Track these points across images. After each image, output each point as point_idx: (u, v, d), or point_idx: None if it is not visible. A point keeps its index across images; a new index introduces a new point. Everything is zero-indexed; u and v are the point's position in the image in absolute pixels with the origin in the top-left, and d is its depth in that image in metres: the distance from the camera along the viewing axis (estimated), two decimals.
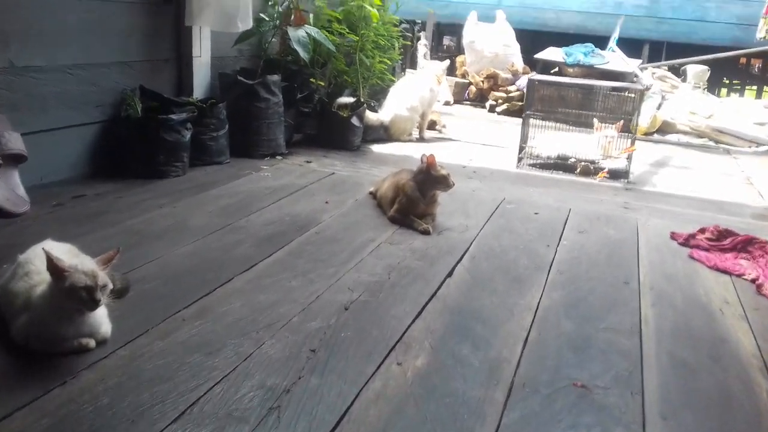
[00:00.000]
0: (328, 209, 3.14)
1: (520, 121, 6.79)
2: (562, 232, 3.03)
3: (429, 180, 3.01)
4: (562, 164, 4.39)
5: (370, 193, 3.42)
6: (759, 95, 11.24)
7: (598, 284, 2.46)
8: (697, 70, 7.17)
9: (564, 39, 8.45)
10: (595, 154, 4.44)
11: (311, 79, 4.55)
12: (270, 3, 4.24)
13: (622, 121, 4.44)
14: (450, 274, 2.45)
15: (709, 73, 7.30)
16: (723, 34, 8.44)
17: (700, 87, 7.10)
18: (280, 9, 4.18)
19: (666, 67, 7.94)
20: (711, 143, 6.25)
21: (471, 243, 2.80)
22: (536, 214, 3.30)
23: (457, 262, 2.57)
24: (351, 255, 2.57)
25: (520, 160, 4.44)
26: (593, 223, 3.22)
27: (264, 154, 4.06)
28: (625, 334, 2.07)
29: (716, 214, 3.60)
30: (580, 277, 2.52)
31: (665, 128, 6.50)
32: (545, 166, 4.41)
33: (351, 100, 4.67)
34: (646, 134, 6.24)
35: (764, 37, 6.66)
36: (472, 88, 7.55)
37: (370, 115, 4.83)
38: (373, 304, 2.16)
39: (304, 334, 1.93)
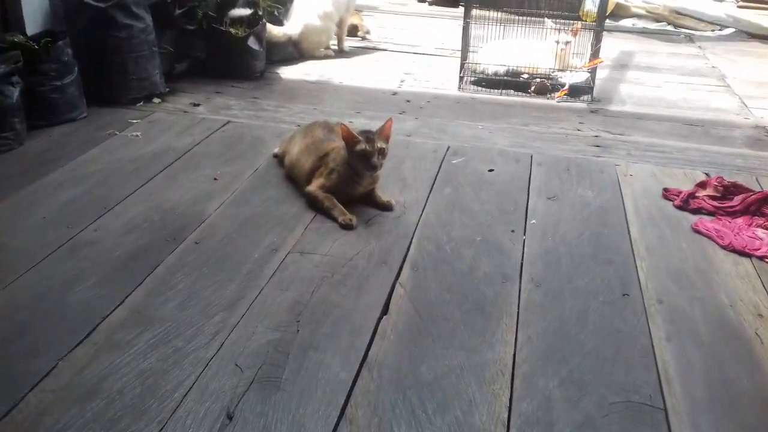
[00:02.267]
0: (216, 192, 2.31)
1: (455, 12, 5.91)
2: (527, 203, 2.31)
3: (352, 157, 2.19)
4: (513, 82, 3.60)
5: (275, 155, 2.60)
6: None
7: (588, 302, 1.78)
8: None
9: None
10: (550, 65, 3.66)
11: None
12: None
13: (579, 24, 3.65)
14: (386, 310, 1.72)
15: None
16: None
17: None
18: None
19: None
20: (670, 28, 5.53)
21: (411, 239, 2.06)
22: (491, 171, 2.56)
23: (395, 282, 1.84)
24: (243, 286, 1.79)
25: (461, 79, 3.62)
26: (563, 179, 2.51)
27: (135, 98, 3.12)
28: (645, 415, 1.41)
29: (703, 145, 2.94)
30: (562, 291, 1.83)
31: (618, 12, 5.71)
32: (493, 84, 3.62)
33: (246, 12, 3.67)
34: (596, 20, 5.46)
35: None
36: None
37: (275, 30, 3.86)
38: (272, 400, 1.42)
39: None
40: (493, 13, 3.80)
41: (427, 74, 3.88)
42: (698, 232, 2.15)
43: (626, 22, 5.62)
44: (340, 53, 4.26)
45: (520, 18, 3.75)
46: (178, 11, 3.49)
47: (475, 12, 3.66)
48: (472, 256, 1.97)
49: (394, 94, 3.51)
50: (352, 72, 3.87)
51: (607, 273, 1.91)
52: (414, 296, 1.78)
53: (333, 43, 4.29)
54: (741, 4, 5.96)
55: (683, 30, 5.44)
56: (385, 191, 2.32)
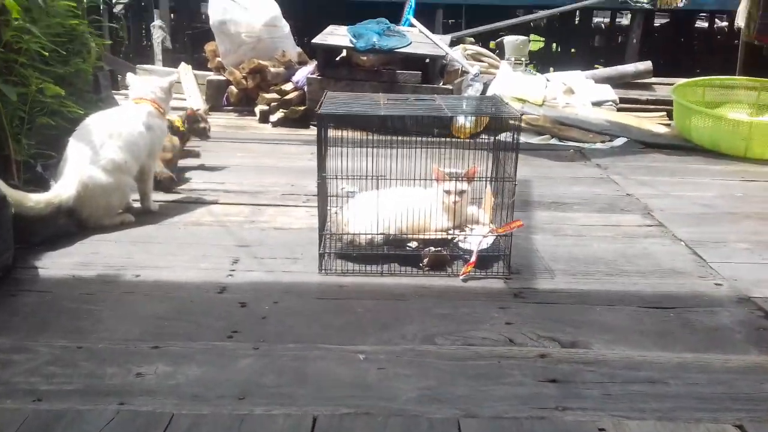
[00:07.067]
0: None
1: (306, 135, 4.79)
2: None
3: None
4: (397, 254, 2.50)
5: None
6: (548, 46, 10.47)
7: None
8: (515, 42, 5.70)
9: (346, 10, 6.60)
10: (445, 224, 2.62)
11: None
12: None
13: (474, 167, 2.66)
14: None
15: (529, 45, 5.88)
16: None
17: (521, 63, 5.64)
18: None
19: (472, 40, 6.42)
20: (556, 141, 4.80)
21: None
22: None
23: None
24: None
25: (322, 257, 2.46)
26: None
27: None
28: None
29: (701, 354, 1.95)
30: None
31: (492, 126, 4.92)
32: (369, 258, 2.49)
33: None
34: (472, 136, 4.63)
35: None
36: (233, 89, 5.42)
37: (30, 200, 2.53)
38: None
39: None
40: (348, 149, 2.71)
41: (273, 244, 2.70)
42: None
43: (504, 138, 4.81)
44: (146, 214, 2.99)
45: (387, 148, 2.70)
46: None
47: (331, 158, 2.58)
48: None
49: (222, 290, 2.28)
50: (159, 251, 2.60)
51: None
52: None
53: (135, 197, 3.02)
54: (621, 105, 5.43)
55: (570, 143, 4.71)
56: None
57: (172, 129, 3.50)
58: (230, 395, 1.68)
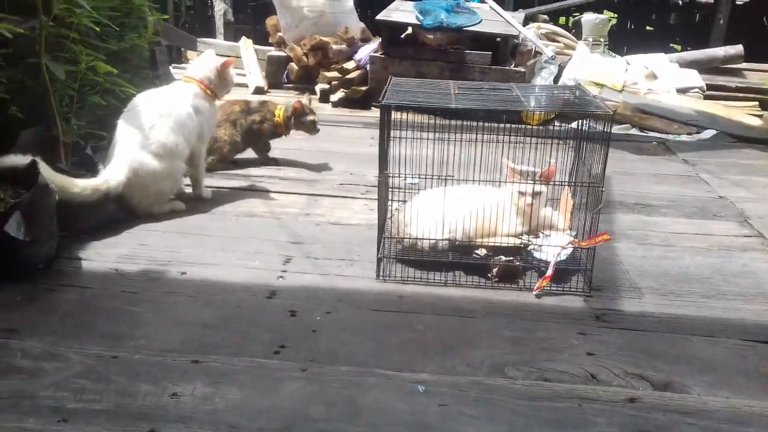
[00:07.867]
0: None
1: (366, 117, 4.56)
2: None
3: None
4: (462, 263, 2.26)
5: None
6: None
7: None
8: (594, 21, 5.29)
9: None
10: (517, 228, 2.36)
11: None
12: None
13: (553, 166, 2.37)
14: None
15: (609, 24, 5.47)
16: None
17: (600, 44, 5.25)
18: None
19: (546, 18, 6.03)
20: (635, 131, 4.43)
21: None
22: None
23: None
24: None
25: (380, 261, 2.24)
26: None
27: None
28: None
29: None
30: None
31: (570, 114, 4.59)
32: (432, 265, 2.26)
33: (22, 161, 2.21)
34: (542, 123, 4.33)
35: None
36: (293, 66, 5.23)
37: (77, 186, 2.39)
38: None
39: None
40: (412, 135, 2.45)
41: (328, 241, 2.50)
42: None
43: (582, 127, 4.47)
44: (198, 201, 2.84)
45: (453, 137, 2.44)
46: None
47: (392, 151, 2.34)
48: None
49: (272, 295, 2.09)
50: (209, 245, 2.44)
51: None
52: None
53: (186, 182, 2.88)
54: (707, 93, 4.99)
55: (653, 134, 4.34)
56: None
57: (266, 119, 3.30)
58: (273, 428, 1.49)
